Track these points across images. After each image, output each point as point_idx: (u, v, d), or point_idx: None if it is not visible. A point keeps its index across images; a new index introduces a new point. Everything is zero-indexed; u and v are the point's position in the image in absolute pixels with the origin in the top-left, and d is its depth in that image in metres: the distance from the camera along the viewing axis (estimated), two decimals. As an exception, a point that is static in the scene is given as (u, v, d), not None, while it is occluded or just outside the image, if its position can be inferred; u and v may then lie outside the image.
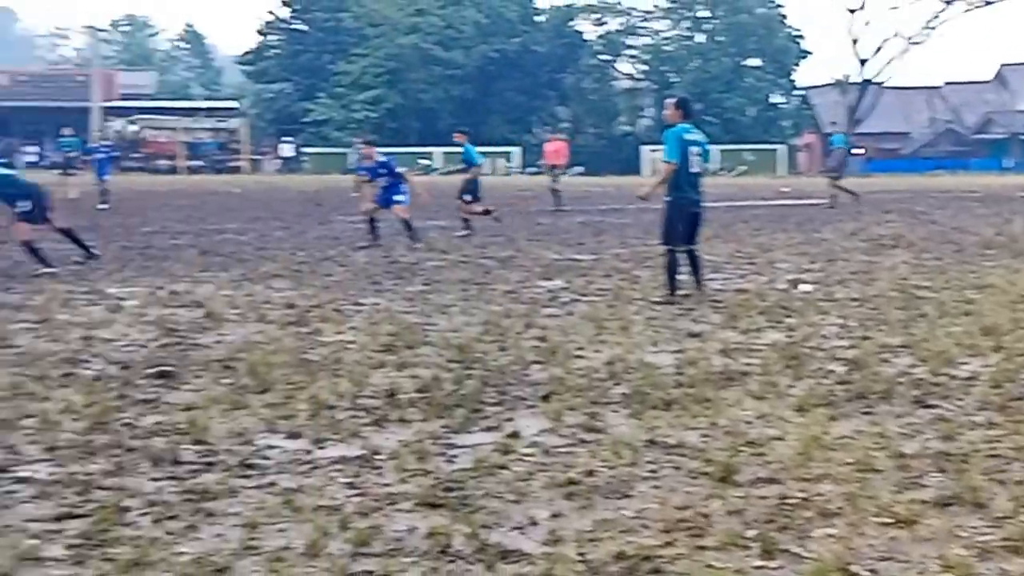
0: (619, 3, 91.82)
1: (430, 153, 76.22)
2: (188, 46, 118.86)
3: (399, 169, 20.70)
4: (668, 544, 5.05)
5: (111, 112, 73.56)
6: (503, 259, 17.53)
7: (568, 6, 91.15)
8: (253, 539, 5.12)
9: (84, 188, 32.31)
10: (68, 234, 16.84)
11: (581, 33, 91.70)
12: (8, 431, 6.96)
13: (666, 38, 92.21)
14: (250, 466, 6.26)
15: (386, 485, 5.92)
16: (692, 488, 5.85)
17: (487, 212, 23.03)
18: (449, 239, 21.04)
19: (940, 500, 5.61)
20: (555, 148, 32.62)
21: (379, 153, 20.96)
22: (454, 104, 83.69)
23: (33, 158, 70.08)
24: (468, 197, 22.71)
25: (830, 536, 5.12)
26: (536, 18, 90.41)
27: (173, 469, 6.20)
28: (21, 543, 5.02)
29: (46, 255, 15.77)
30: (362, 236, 19.72)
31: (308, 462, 6.35)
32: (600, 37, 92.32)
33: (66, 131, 33.58)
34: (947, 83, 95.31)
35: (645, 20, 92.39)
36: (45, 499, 5.68)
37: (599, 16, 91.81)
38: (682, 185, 12.56)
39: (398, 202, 20.28)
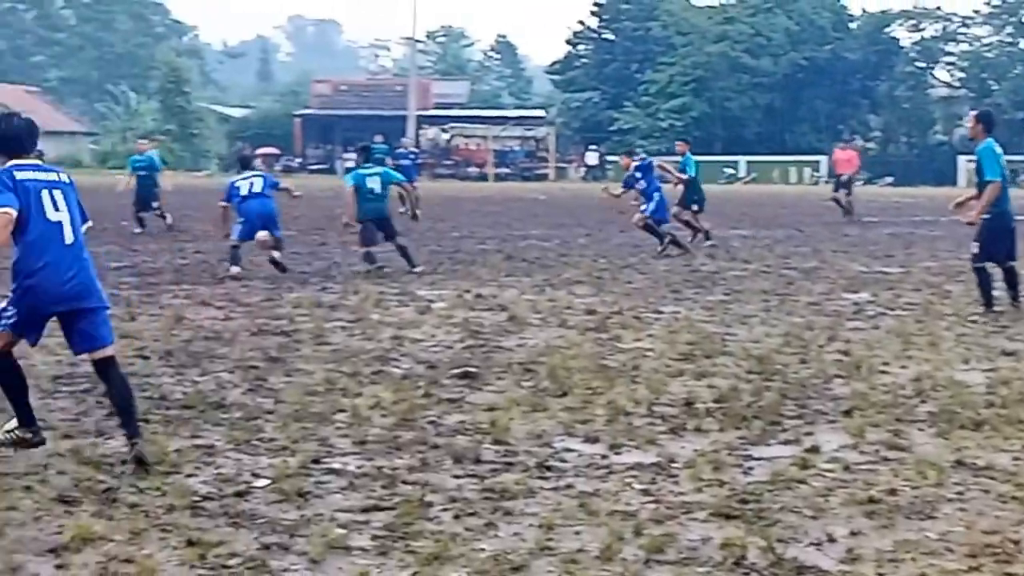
0: (938, 8, 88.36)
1: (735, 162, 75.51)
2: (500, 56, 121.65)
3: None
4: (973, 569, 4.87)
5: (425, 120, 76.10)
6: (807, 270, 17.19)
7: (883, 12, 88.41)
8: (549, 540, 5.22)
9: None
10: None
11: (896, 40, 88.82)
12: (322, 424, 7.32)
13: (987, 44, 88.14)
14: (548, 468, 6.38)
15: (681, 493, 5.93)
16: (1001, 512, 5.61)
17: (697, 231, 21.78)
18: (751, 249, 20.79)
19: None
20: (846, 157, 30.96)
21: (635, 162, 20.76)
22: (761, 112, 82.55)
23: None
24: (695, 207, 21.95)
25: None
26: (849, 25, 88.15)
27: (474, 467, 6.38)
28: (331, 532, 5.27)
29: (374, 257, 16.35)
30: (661, 246, 19.65)
31: (604, 467, 6.42)
32: (916, 43, 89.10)
33: (377, 138, 34.98)
34: None
35: (965, 26, 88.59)
36: (353, 491, 5.94)
37: (916, 22, 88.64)
38: (1002, 200, 12.08)
39: (643, 211, 20.00)
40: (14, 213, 6.14)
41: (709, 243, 21.00)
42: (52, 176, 6.44)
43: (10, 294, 6.30)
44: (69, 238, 6.34)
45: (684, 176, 21.54)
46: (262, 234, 15.70)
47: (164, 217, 24.28)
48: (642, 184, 20.01)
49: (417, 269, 16.52)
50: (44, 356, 9.39)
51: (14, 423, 6.57)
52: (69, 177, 6.60)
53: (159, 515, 5.48)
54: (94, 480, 5.99)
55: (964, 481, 6.12)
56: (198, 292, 13.86)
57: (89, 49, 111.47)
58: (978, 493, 5.92)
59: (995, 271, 12.35)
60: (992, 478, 6.17)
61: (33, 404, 7.60)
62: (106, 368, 6.47)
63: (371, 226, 16.71)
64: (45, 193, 6.29)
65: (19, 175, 6.27)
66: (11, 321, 6.30)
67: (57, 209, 6.31)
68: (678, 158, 22.31)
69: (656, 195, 19.96)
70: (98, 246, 19.59)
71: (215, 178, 66.97)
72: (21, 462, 6.32)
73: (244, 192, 15.89)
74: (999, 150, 12.27)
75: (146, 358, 9.47)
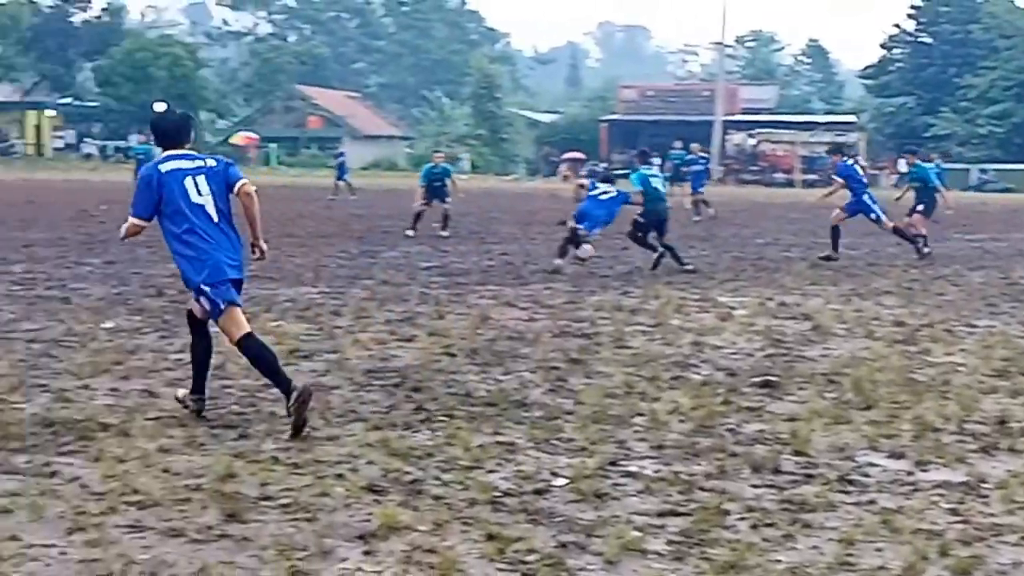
0: None
1: (1058, 170, 71.53)
2: (811, 60, 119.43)
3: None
4: None
5: (732, 126, 75.52)
6: None
7: None
8: (849, 555, 5.10)
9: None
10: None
11: None
12: (620, 427, 7.37)
13: None
14: (850, 482, 6.23)
15: (991, 515, 5.68)
16: None
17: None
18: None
19: None
20: None
21: (841, 160, 20.61)
22: (1091, 119, 78.05)
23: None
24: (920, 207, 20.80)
25: None
26: None
27: (773, 478, 6.30)
28: (627, 534, 5.31)
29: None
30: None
31: (909, 483, 6.23)
32: None
33: (676, 144, 35.00)
34: None
35: None
36: (650, 495, 5.96)
37: None
38: None
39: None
40: (144, 225, 7.36)
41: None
42: (198, 163, 7.34)
43: (187, 274, 7.29)
44: (215, 217, 7.26)
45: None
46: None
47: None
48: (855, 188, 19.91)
49: (688, 267, 17.06)
50: (358, 351, 9.84)
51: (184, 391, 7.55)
52: (220, 160, 7.52)
53: (461, 508, 5.64)
54: (401, 471, 6.23)
55: None
56: (503, 293, 14.19)
57: (407, 56, 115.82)
58: None
59: None
60: None
61: (346, 396, 8.01)
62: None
63: (647, 225, 17.38)
64: (189, 180, 7.22)
65: (164, 167, 7.27)
66: (211, 292, 7.23)
67: (200, 193, 7.23)
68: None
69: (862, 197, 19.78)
70: (409, 246, 20.36)
71: (522, 182, 68.43)
72: (334, 451, 6.63)
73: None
74: None
75: (453, 355, 9.76)
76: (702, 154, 32.07)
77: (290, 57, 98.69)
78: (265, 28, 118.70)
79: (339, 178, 40.31)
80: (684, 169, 32.21)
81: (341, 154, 42.46)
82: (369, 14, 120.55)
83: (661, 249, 17.30)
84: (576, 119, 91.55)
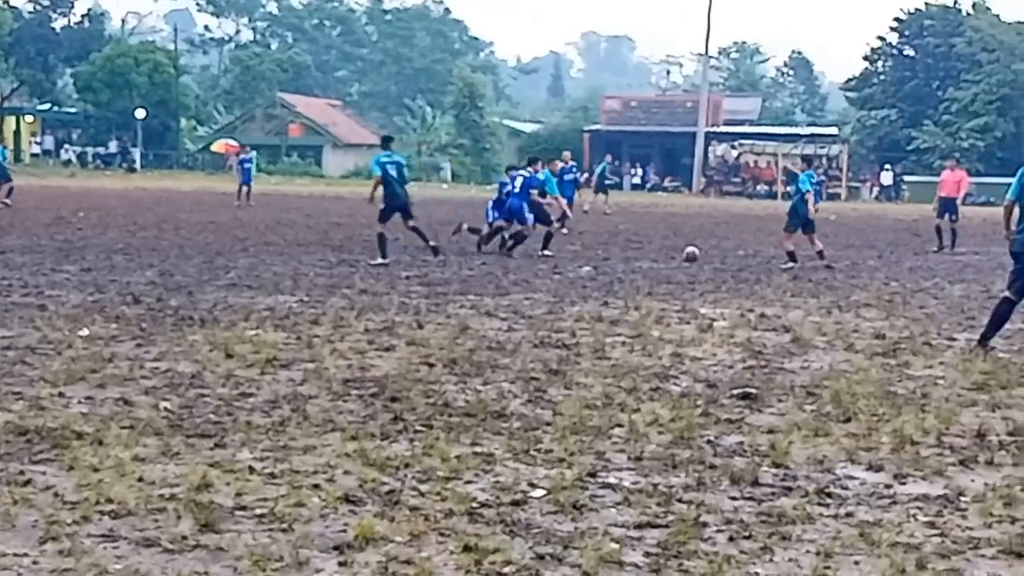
0: None
1: (1040, 184, 71.88)
2: (794, 72, 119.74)
3: None
4: None
5: (714, 137, 75.62)
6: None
7: None
8: (827, 568, 5.08)
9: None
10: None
11: None
12: (599, 438, 7.35)
13: None
14: (828, 494, 6.22)
15: (969, 528, 5.68)
16: None
17: None
18: None
19: None
20: (956, 179, 27.54)
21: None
22: (1072, 133, 78.49)
23: (636, 180, 74.16)
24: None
25: None
26: None
27: (752, 490, 6.28)
28: (605, 546, 5.28)
29: None
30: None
31: (888, 496, 6.22)
32: None
33: (608, 157, 35.10)
34: None
35: None
36: (628, 506, 5.94)
37: None
38: None
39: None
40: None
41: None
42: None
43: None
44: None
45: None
46: None
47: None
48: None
49: (432, 244, 19.91)
50: (336, 360, 9.80)
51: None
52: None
53: (438, 519, 5.61)
54: (378, 482, 6.19)
55: None
56: (483, 303, 14.17)
57: (389, 64, 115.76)
58: None
59: None
60: None
61: (323, 406, 7.98)
62: None
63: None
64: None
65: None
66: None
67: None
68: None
69: None
70: (389, 255, 20.33)
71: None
72: (311, 461, 6.59)
73: None
74: None
75: (431, 365, 9.73)
76: (572, 163, 31.87)
77: (272, 64, 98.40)
78: (247, 35, 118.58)
79: (244, 183, 40.16)
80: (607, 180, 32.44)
81: (248, 160, 42.18)
82: (352, 22, 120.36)
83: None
84: (558, 129, 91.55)
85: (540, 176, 22.06)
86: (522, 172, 22.03)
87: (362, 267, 18.33)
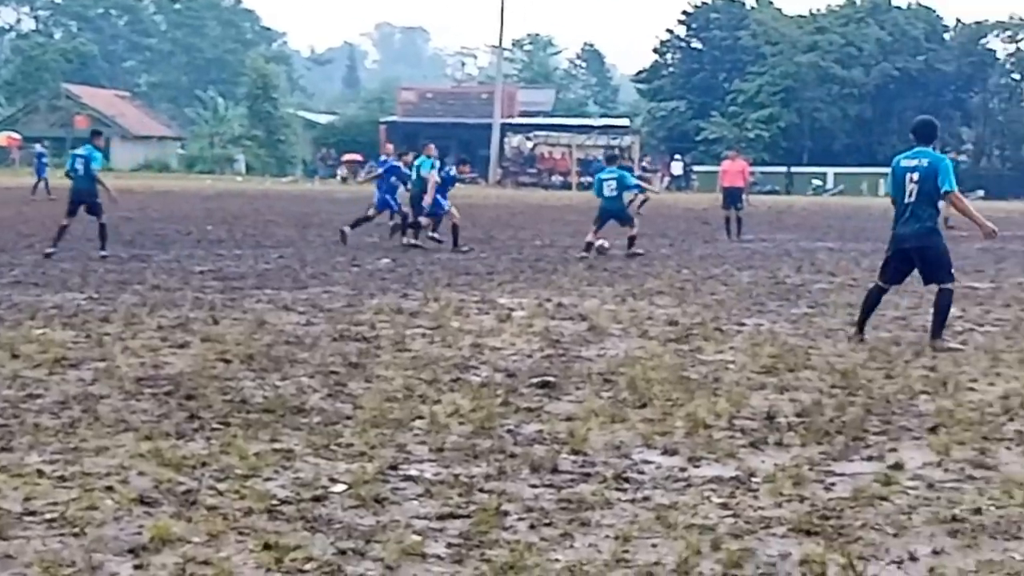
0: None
1: (823, 173, 74.77)
2: (586, 64, 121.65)
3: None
4: (1060, 593, 4.75)
5: (510, 128, 76.31)
6: (894, 284, 16.93)
7: (979, 23, 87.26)
8: (625, 552, 5.16)
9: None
10: None
11: (992, 51, 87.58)
12: (400, 431, 7.32)
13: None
14: (626, 479, 6.32)
15: (760, 508, 5.84)
16: (1091, 536, 5.46)
17: None
18: (837, 262, 20.56)
19: None
20: (738, 168, 28.12)
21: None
22: (850, 124, 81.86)
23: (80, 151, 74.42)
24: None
25: None
26: (944, 36, 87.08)
27: (551, 477, 6.34)
28: (407, 538, 5.26)
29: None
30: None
31: (683, 479, 6.36)
32: (1012, 55, 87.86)
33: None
34: None
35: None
36: (430, 498, 5.93)
37: (1012, 33, 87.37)
38: None
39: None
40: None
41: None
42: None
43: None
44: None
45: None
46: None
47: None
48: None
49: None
50: (128, 358, 9.54)
51: None
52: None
53: (237, 518, 5.50)
54: (174, 482, 6.04)
55: (1053, 502, 5.97)
56: (280, 297, 13.99)
57: (179, 55, 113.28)
58: (1067, 515, 5.77)
59: None
60: (1082, 500, 6.01)
61: (115, 405, 7.76)
62: None
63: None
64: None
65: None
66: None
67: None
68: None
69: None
70: (180, 249, 19.90)
71: (300, 184, 67.71)
72: (103, 463, 6.39)
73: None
74: (903, 163, 11.34)
75: (228, 361, 9.54)
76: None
77: (55, 55, 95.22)
78: (29, 24, 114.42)
79: (39, 176, 40.19)
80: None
81: (41, 154, 42.35)
82: (139, 11, 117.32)
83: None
84: (354, 121, 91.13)
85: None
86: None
87: (154, 263, 17.89)
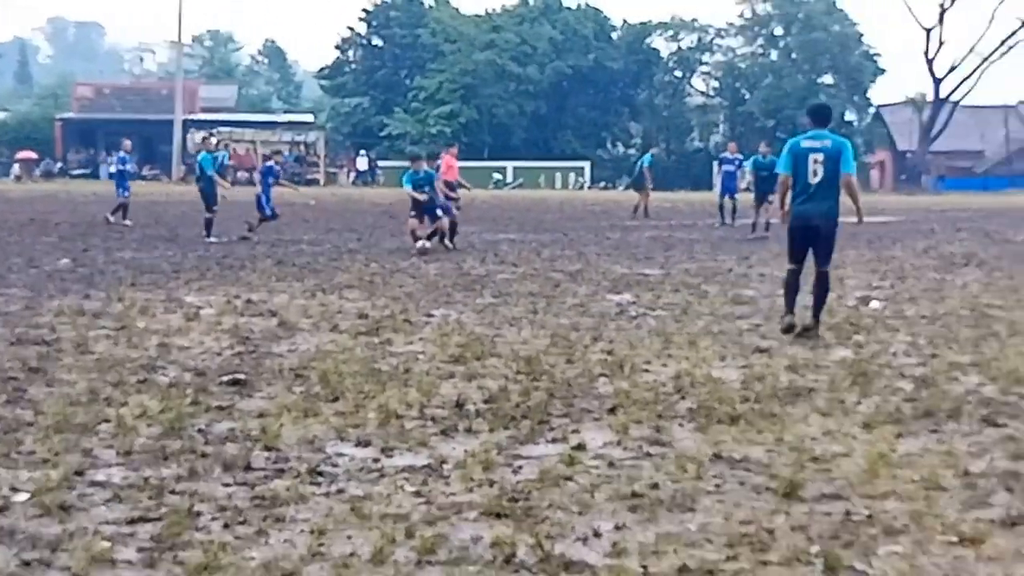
0: (695, 20, 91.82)
1: (503, 167, 76.44)
2: (268, 60, 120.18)
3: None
4: (731, 559, 5.07)
5: (192, 124, 74.57)
6: (572, 273, 17.57)
7: (643, 23, 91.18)
8: (321, 545, 5.20)
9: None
10: None
11: (656, 50, 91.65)
12: (85, 435, 7.11)
13: (740, 55, 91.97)
14: (320, 473, 6.36)
15: (452, 494, 5.99)
16: (757, 503, 5.86)
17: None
18: (519, 252, 21.12)
19: (1007, 520, 5.58)
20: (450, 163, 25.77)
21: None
22: (527, 119, 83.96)
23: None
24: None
25: (895, 554, 5.11)
26: (611, 35, 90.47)
27: (244, 475, 6.31)
28: (95, 545, 5.13)
29: None
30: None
31: (376, 470, 6.44)
32: (674, 53, 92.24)
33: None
34: (1022, 101, 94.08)
35: (720, 37, 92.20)
36: (119, 502, 5.80)
37: (674, 33, 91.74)
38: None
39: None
40: None
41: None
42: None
43: None
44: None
45: None
46: None
47: None
48: None
49: None
50: None
51: None
52: None
53: (-90, 535, 5.24)
54: None
55: (722, 474, 6.37)
56: (-50, 302, 13.27)
57: None
58: (735, 485, 6.17)
59: None
60: (748, 470, 6.44)
61: None
62: None
63: None
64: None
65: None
66: None
67: None
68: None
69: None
70: None
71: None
72: None
73: None
74: (804, 144, 11.35)
75: None
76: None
77: None
78: None
79: None
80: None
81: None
82: None
83: None
84: (28, 117, 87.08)
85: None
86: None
87: None
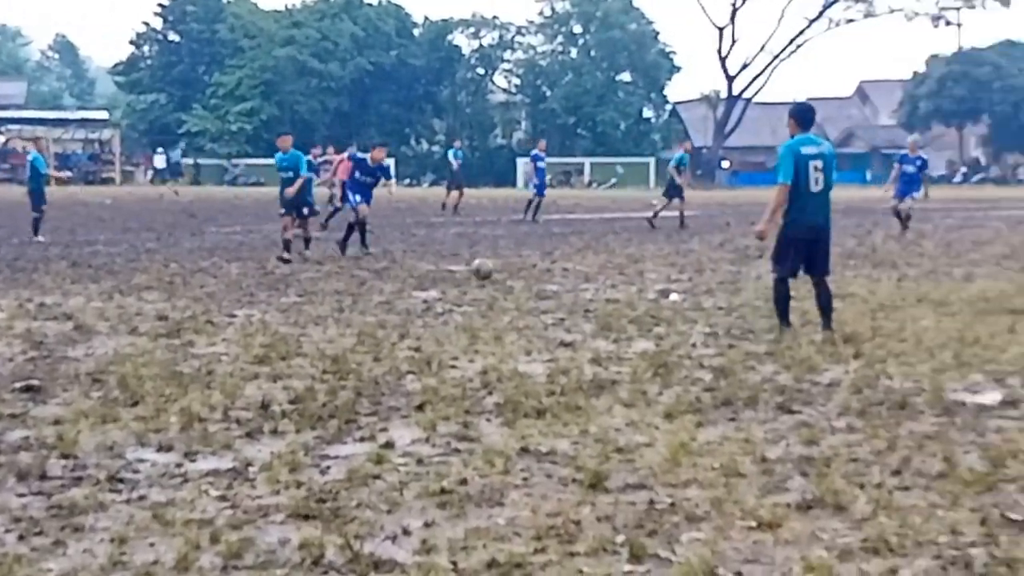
0: (495, 18, 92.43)
1: (306, 164, 75.60)
2: (59, 56, 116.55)
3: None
4: (539, 551, 5.11)
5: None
6: (378, 270, 17.51)
7: (445, 20, 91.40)
8: (122, 554, 5.06)
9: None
10: None
11: (458, 47, 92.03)
12: None
13: (541, 53, 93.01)
14: (120, 480, 6.18)
15: (258, 497, 5.90)
16: (563, 495, 5.92)
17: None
18: (323, 251, 20.94)
19: (802, 503, 5.76)
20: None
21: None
22: (330, 116, 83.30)
23: None
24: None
25: (697, 540, 5.23)
26: (413, 31, 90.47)
27: (40, 484, 6.10)
28: None
29: None
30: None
31: (179, 475, 6.30)
32: (476, 51, 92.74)
33: None
34: (810, 99, 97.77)
35: (520, 35, 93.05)
36: (-96, 518, 5.55)
37: (475, 30, 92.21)
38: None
39: None
40: None
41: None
42: None
43: None
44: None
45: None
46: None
47: None
48: None
49: None
50: None
51: None
52: None
53: None
54: None
55: (529, 467, 6.42)
56: None
57: None
58: (542, 478, 6.23)
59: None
60: (554, 463, 6.51)
61: None
62: None
63: None
64: None
65: None
66: None
67: None
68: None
69: None
70: None
71: None
72: None
73: None
74: (805, 150, 10.72)
75: None
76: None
77: None
78: None
79: None
80: None
81: None
82: None
83: None
84: None
85: None
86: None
87: None
